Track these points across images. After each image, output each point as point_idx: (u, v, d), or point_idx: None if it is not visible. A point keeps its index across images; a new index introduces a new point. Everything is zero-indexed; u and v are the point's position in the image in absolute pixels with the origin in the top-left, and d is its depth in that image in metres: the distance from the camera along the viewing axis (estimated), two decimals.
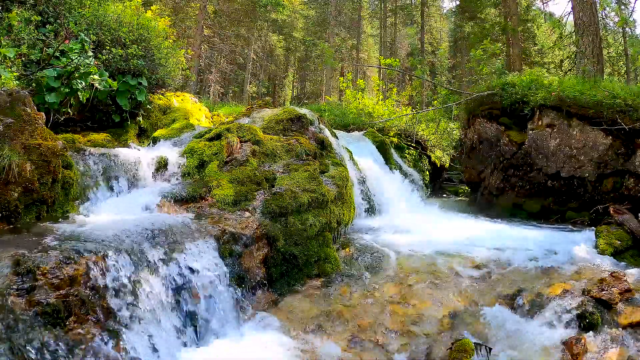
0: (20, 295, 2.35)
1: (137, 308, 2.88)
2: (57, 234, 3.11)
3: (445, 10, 36.64)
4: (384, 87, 15.01)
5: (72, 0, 6.07)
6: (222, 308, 3.46)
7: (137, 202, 4.28)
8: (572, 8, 10.48)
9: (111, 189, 4.42)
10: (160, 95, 7.69)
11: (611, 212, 5.68)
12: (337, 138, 7.05)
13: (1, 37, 4.60)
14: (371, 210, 6.79)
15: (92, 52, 5.45)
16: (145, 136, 6.81)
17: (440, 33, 35.46)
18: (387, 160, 8.76)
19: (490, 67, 11.85)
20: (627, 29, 17.29)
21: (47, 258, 2.58)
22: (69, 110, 5.30)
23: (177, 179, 4.89)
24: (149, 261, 3.13)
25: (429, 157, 11.43)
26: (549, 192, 7.19)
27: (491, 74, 11.26)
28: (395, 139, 10.56)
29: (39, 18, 5.37)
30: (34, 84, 4.80)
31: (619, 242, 4.89)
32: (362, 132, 9.75)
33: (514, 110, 7.80)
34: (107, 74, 5.48)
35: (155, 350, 2.84)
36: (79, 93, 5.05)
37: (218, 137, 5.36)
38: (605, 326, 3.34)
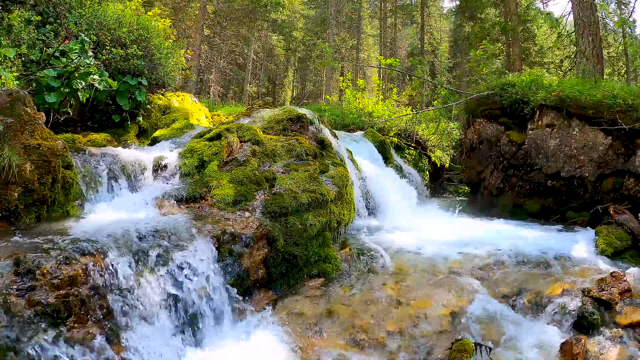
0: (20, 295, 2.35)
1: (137, 308, 2.88)
2: (57, 234, 3.11)
3: (445, 10, 36.67)
4: (384, 87, 15.00)
5: (72, 0, 6.06)
6: (222, 308, 3.46)
7: (137, 202, 4.28)
8: (572, 8, 10.49)
9: (111, 189, 4.42)
10: (160, 95, 7.69)
11: (611, 212, 5.68)
12: (337, 138, 7.05)
13: (1, 37, 4.60)
14: (371, 210, 6.79)
15: (92, 52, 5.45)
16: (145, 136, 6.80)
17: (440, 33, 35.49)
18: (387, 160, 8.76)
19: (490, 67, 11.85)
20: (627, 29, 17.30)
21: (47, 258, 2.58)
22: (69, 110, 5.31)
23: (177, 179, 4.89)
24: (149, 261, 3.14)
25: (429, 157, 11.43)
26: (549, 192, 7.19)
27: (491, 74, 11.26)
28: (395, 139, 10.56)
29: (39, 18, 5.37)
30: (34, 84, 4.80)
31: (619, 242, 4.89)
32: (362, 132, 9.75)
33: (514, 110, 7.79)
34: (107, 74, 5.48)
35: (154, 350, 2.84)
36: (79, 93, 5.05)
37: (218, 137, 5.36)
38: (605, 326, 3.34)
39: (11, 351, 2.16)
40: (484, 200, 8.28)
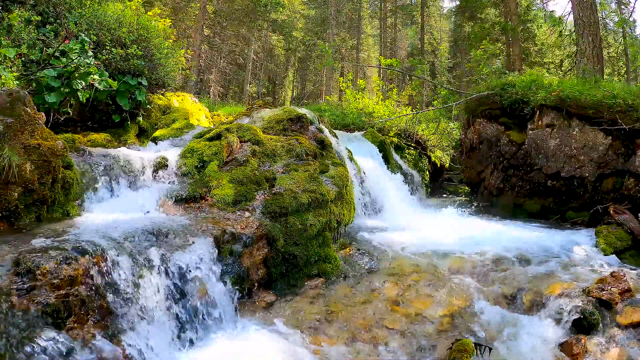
0: (20, 295, 2.35)
1: (137, 308, 2.88)
2: (57, 234, 3.11)
3: (445, 10, 36.70)
4: (384, 87, 15.00)
5: (72, 0, 6.06)
6: (222, 308, 3.46)
7: (137, 202, 4.28)
8: (572, 8, 10.49)
9: (111, 189, 4.42)
10: (160, 95, 7.69)
11: (611, 212, 5.68)
12: (337, 138, 7.05)
13: (1, 37, 4.59)
14: (371, 210, 6.79)
15: (92, 52, 5.44)
16: (145, 136, 6.80)
17: (440, 33, 35.50)
18: (387, 160, 8.76)
19: (490, 67, 11.85)
20: (627, 29, 17.30)
21: (47, 258, 2.58)
22: (69, 110, 5.30)
23: (177, 179, 4.89)
24: (149, 261, 3.13)
25: (429, 157, 11.43)
26: (549, 192, 7.19)
27: (491, 74, 11.27)
28: (395, 139, 10.56)
29: (39, 18, 5.36)
30: (34, 84, 4.80)
31: (619, 242, 4.89)
32: (362, 132, 9.75)
33: (514, 110, 7.80)
34: (107, 74, 5.47)
35: (154, 350, 2.84)
36: (79, 93, 5.04)
37: (218, 137, 5.36)
38: (605, 326, 3.34)
39: (11, 352, 2.15)
40: (484, 200, 8.29)
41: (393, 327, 3.56)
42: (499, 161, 8.00)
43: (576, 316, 3.40)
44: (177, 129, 6.71)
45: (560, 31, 13.33)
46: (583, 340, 3.13)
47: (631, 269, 4.26)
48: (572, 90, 7.01)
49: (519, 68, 16.33)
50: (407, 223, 6.33)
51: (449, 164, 12.20)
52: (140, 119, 6.75)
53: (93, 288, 2.67)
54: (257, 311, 3.74)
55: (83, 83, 5.05)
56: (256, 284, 3.95)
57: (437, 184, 12.13)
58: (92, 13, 6.09)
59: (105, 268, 2.81)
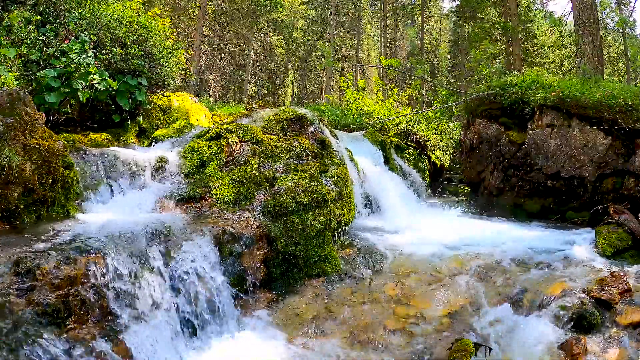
0: (20, 295, 2.35)
1: (137, 308, 2.88)
2: (57, 234, 3.11)
3: (445, 10, 36.70)
4: (384, 87, 15.01)
5: (72, 0, 6.06)
6: (222, 308, 3.46)
7: (137, 202, 4.28)
8: (572, 8, 10.49)
9: (111, 189, 4.42)
10: (160, 95, 7.69)
11: (611, 212, 5.67)
12: (337, 138, 7.05)
13: (1, 37, 4.59)
14: (371, 210, 6.78)
15: (92, 52, 5.44)
16: (145, 136, 6.80)
17: (440, 33, 35.49)
18: (387, 160, 8.76)
19: (490, 67, 11.85)
20: (627, 29, 17.31)
21: (47, 258, 2.58)
22: (69, 110, 5.30)
23: (177, 179, 4.89)
24: (149, 261, 3.14)
25: (429, 157, 11.43)
26: (549, 192, 7.18)
27: (491, 74, 11.27)
28: (395, 139, 10.55)
29: (39, 18, 5.36)
30: (34, 84, 4.80)
31: (619, 242, 4.89)
32: (362, 132, 9.74)
33: (514, 110, 7.80)
34: (107, 74, 5.47)
35: (154, 350, 2.84)
36: (79, 93, 5.04)
37: (218, 137, 5.37)
38: (605, 326, 3.34)
39: (11, 352, 2.15)
40: (484, 200, 8.29)
41: (393, 327, 3.56)
42: (499, 161, 8.00)
43: (576, 316, 3.40)
44: (177, 129, 6.71)
45: (561, 31, 13.33)
46: (583, 340, 3.13)
47: (631, 269, 4.26)
48: (572, 90, 7.01)
49: (519, 68, 16.32)
50: (407, 223, 6.33)
51: (449, 164, 12.19)
52: (140, 119, 6.75)
53: (93, 288, 2.67)
54: (257, 311, 3.74)
55: (83, 83, 5.05)
56: (256, 284, 3.94)
57: (437, 184, 12.13)
58: (92, 13, 6.09)
59: (105, 268, 2.81)
